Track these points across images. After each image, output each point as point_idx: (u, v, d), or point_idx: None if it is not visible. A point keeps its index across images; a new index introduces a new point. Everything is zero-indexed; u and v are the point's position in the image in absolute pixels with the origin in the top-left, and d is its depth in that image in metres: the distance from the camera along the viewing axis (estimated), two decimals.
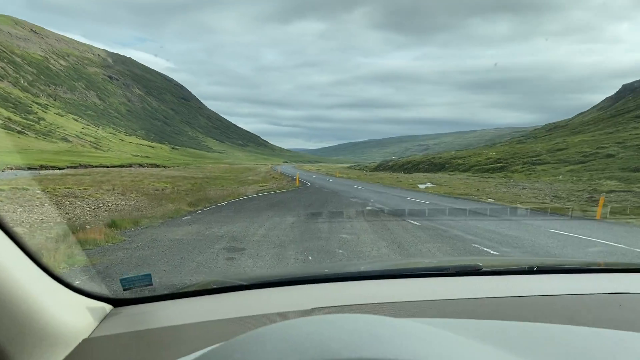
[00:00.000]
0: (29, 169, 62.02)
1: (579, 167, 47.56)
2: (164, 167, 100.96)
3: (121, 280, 1.74)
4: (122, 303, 1.75)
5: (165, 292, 1.85)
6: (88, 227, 10.41)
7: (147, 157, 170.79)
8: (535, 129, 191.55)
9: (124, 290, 1.74)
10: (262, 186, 30.34)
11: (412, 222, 13.05)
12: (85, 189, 19.60)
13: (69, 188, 19.41)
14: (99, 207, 14.47)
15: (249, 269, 7.52)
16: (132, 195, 19.15)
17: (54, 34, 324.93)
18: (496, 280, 1.98)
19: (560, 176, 43.27)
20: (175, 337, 1.40)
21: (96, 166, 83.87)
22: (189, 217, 13.67)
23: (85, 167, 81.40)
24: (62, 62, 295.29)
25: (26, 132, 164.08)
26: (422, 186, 36.11)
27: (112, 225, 10.84)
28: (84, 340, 1.36)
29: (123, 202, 16.53)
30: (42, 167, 68.02)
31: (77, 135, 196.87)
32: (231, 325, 1.47)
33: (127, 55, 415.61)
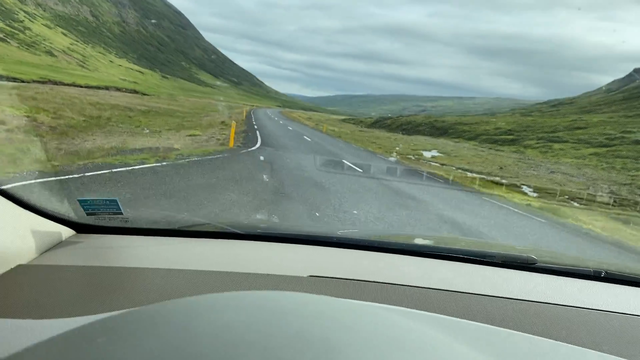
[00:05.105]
0: None
1: (604, 150, 42.33)
2: (144, 94, 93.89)
3: (81, 201, 1.51)
4: (85, 229, 1.58)
5: (140, 226, 1.66)
6: None
7: (135, 82, 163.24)
8: (537, 103, 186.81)
9: (87, 214, 1.54)
10: (191, 135, 20.38)
11: None
12: None
13: None
14: None
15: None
16: None
17: None
18: (551, 281, 1.62)
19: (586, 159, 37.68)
20: (133, 283, 1.22)
21: (68, 84, 76.92)
22: None
23: (55, 83, 74.66)
24: None
25: (8, 40, 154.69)
26: (427, 154, 29.87)
27: None
28: (19, 267, 1.21)
29: None
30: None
31: (63, 51, 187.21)
32: (211, 280, 1.29)
33: None
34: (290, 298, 0.66)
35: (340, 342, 0.52)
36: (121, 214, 1.55)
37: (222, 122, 29.82)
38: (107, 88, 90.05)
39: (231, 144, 17.90)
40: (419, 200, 11.03)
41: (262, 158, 14.94)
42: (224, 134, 21.33)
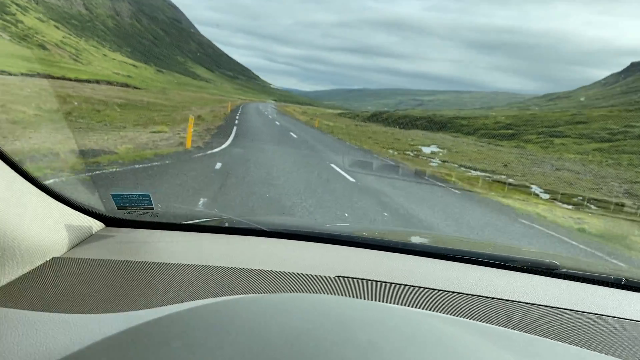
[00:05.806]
0: None
1: (608, 145, 41.18)
2: (136, 88, 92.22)
3: (113, 195, 1.54)
4: (114, 223, 1.61)
5: (168, 221, 1.69)
6: None
7: (129, 76, 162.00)
8: (534, 97, 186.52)
9: (118, 208, 1.56)
10: (156, 131, 17.36)
11: None
12: None
13: None
14: None
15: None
16: None
17: None
18: (574, 287, 1.60)
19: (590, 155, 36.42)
20: (167, 279, 1.24)
21: (57, 77, 75.44)
22: None
23: (44, 76, 73.37)
24: None
25: (0, 33, 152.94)
26: (426, 150, 28.47)
27: None
28: (54, 259, 1.25)
29: None
30: None
31: (56, 44, 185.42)
32: (243, 278, 1.30)
33: None
34: (357, 305, 0.66)
35: (410, 353, 0.54)
36: (152, 208, 1.55)
37: (199, 117, 26.12)
38: (97, 82, 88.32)
39: (188, 144, 14.29)
40: (438, 232, 7.73)
41: (218, 166, 11.20)
42: (195, 129, 17.74)
